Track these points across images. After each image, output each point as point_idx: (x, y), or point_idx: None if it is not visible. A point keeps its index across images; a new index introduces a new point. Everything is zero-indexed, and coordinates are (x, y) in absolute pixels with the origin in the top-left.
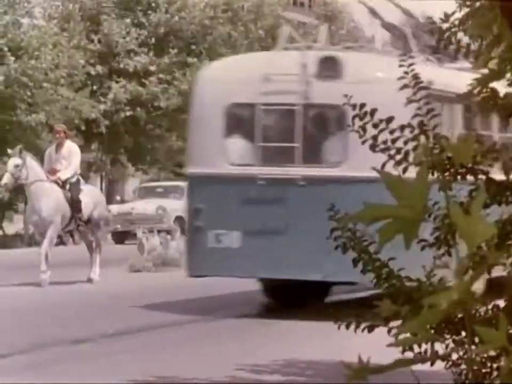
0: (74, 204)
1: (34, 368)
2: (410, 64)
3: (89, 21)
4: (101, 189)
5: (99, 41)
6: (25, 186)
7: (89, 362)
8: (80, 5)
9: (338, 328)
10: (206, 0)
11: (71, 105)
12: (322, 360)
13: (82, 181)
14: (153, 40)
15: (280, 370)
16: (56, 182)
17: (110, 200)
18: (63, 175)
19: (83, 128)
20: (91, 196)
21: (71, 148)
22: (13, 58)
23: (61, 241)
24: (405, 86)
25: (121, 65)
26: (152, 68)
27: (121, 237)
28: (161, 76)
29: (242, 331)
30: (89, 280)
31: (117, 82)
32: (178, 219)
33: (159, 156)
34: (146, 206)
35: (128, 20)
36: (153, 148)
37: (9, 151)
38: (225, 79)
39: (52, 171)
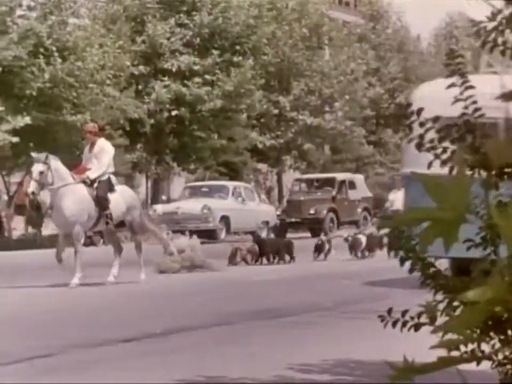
0: (100, 202)
1: (82, 368)
2: (458, 63)
3: (133, 22)
4: (146, 188)
5: (143, 42)
6: (52, 190)
7: (138, 361)
8: (125, 6)
9: (385, 326)
10: None
11: (116, 105)
12: (372, 360)
13: (115, 180)
14: (198, 40)
15: (330, 370)
16: (84, 181)
17: (155, 199)
18: (92, 174)
19: (128, 128)
20: (123, 197)
21: (103, 146)
22: (59, 60)
23: (90, 242)
24: (452, 85)
25: (166, 65)
26: (196, 68)
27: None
28: (205, 76)
29: (291, 330)
30: (106, 282)
31: (162, 81)
32: (224, 218)
33: (204, 156)
34: (192, 206)
35: (172, 20)
36: (198, 148)
37: (33, 155)
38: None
39: (81, 170)
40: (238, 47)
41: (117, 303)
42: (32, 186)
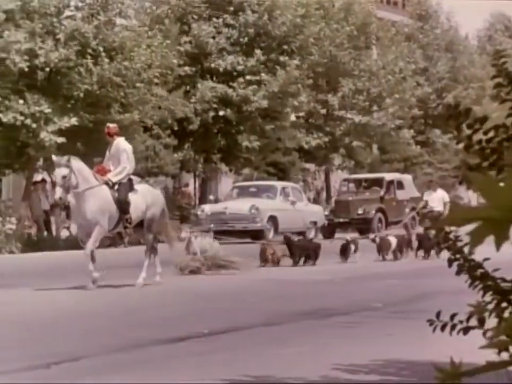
0: (121, 205)
1: (128, 368)
2: (503, 63)
3: (179, 22)
4: (194, 188)
5: (190, 42)
6: (77, 194)
7: (185, 361)
8: (171, 6)
9: (433, 331)
10: None
11: (164, 104)
12: (420, 360)
13: (136, 180)
14: (245, 40)
15: (377, 370)
16: (106, 183)
17: (203, 199)
18: (114, 176)
19: (176, 127)
20: (144, 197)
21: (119, 146)
22: (107, 60)
23: (111, 243)
24: (498, 85)
25: (212, 65)
26: (241, 68)
27: (214, 236)
28: (248, 77)
29: (339, 330)
30: (137, 284)
31: (208, 81)
32: (271, 218)
33: (251, 156)
34: (240, 206)
35: (218, 20)
36: (245, 148)
37: (54, 158)
38: None
39: (103, 170)
40: (285, 47)
41: (161, 303)
42: (58, 192)
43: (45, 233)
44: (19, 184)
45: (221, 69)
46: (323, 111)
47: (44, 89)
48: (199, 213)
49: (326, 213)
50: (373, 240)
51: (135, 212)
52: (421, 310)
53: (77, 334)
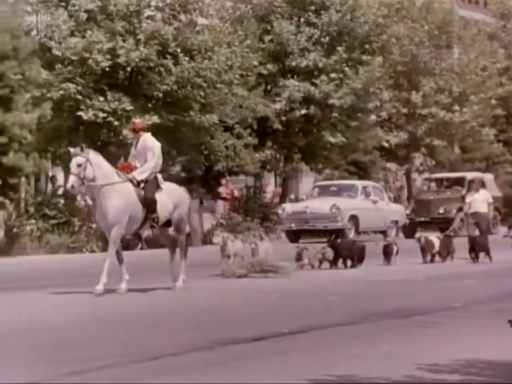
0: (148, 204)
1: (209, 367)
2: None
3: (261, 21)
4: (275, 187)
5: (271, 41)
6: (94, 188)
7: (266, 361)
8: (253, 5)
9: None
10: None
11: (244, 104)
12: (502, 360)
13: (161, 178)
14: (326, 39)
15: (459, 370)
16: (131, 181)
17: (284, 198)
18: (139, 175)
19: (256, 127)
20: (170, 195)
21: (145, 142)
22: (186, 58)
23: (127, 245)
24: None
25: (294, 64)
26: (323, 66)
27: (295, 235)
28: (332, 75)
29: (420, 330)
30: (174, 288)
31: (292, 79)
32: (352, 218)
33: (332, 155)
34: (321, 205)
35: (300, 19)
36: (326, 147)
37: (71, 149)
38: None
39: (128, 167)
40: (366, 46)
41: (240, 302)
42: (71, 181)
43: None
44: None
45: (302, 67)
46: (404, 110)
47: (125, 88)
48: (280, 212)
49: (407, 212)
50: (418, 240)
51: (161, 212)
52: (500, 310)
53: (154, 333)
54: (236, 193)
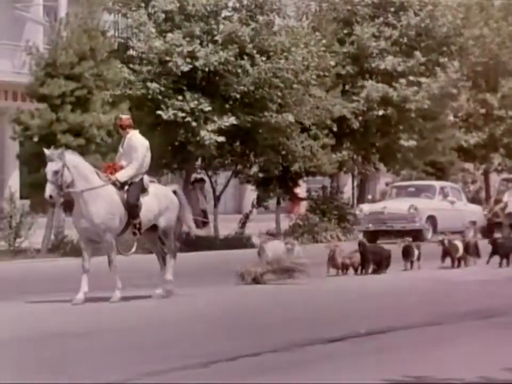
0: (130, 209)
1: (288, 368)
2: None
3: (341, 22)
4: (352, 188)
5: (351, 43)
6: (74, 194)
7: (341, 361)
8: (334, 6)
9: None
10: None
11: (321, 105)
12: None
13: (147, 180)
14: (405, 39)
15: None
16: (114, 183)
17: (361, 199)
18: (122, 176)
19: (334, 128)
20: (157, 199)
21: (131, 141)
22: (263, 59)
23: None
24: None
25: (373, 65)
26: (401, 69)
27: (373, 236)
28: (410, 78)
29: (500, 331)
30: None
31: (370, 81)
32: (430, 218)
33: (409, 156)
34: (398, 205)
35: (379, 20)
36: (403, 148)
37: (46, 152)
38: None
39: (111, 167)
40: (444, 48)
41: (317, 303)
42: (48, 190)
43: (203, 232)
44: (177, 183)
45: (381, 69)
46: (482, 111)
47: (203, 89)
48: (357, 212)
49: (485, 212)
50: (441, 243)
51: (146, 216)
52: None
53: (231, 333)
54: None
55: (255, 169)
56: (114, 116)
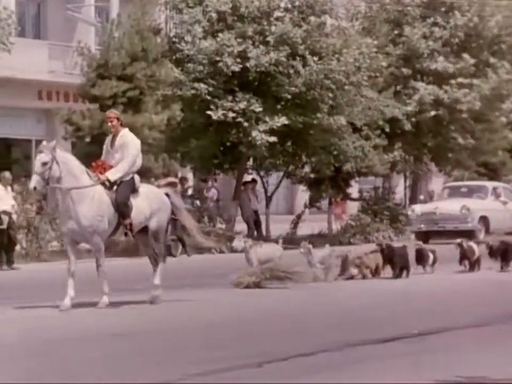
0: (121, 209)
1: (341, 368)
2: None
3: (392, 23)
4: (404, 188)
5: (402, 43)
6: (60, 191)
7: (396, 362)
8: (384, 7)
9: None
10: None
11: (373, 105)
12: None
13: (138, 180)
14: (456, 40)
15: None
16: (103, 183)
17: (413, 200)
18: (112, 175)
19: (386, 128)
20: (149, 200)
21: (125, 138)
22: (315, 59)
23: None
24: None
25: (424, 66)
26: (452, 70)
27: (425, 237)
28: (460, 79)
29: None
30: (152, 300)
31: (422, 81)
32: (482, 219)
33: (461, 157)
34: (450, 206)
35: (430, 20)
36: (455, 149)
37: (43, 144)
38: None
39: (100, 166)
40: (495, 47)
41: (369, 304)
42: (33, 181)
43: (255, 233)
44: (229, 184)
45: (432, 69)
46: None
47: (254, 89)
48: (409, 213)
49: None
50: (460, 246)
51: (137, 218)
52: None
53: (283, 333)
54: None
55: (306, 169)
56: (167, 116)
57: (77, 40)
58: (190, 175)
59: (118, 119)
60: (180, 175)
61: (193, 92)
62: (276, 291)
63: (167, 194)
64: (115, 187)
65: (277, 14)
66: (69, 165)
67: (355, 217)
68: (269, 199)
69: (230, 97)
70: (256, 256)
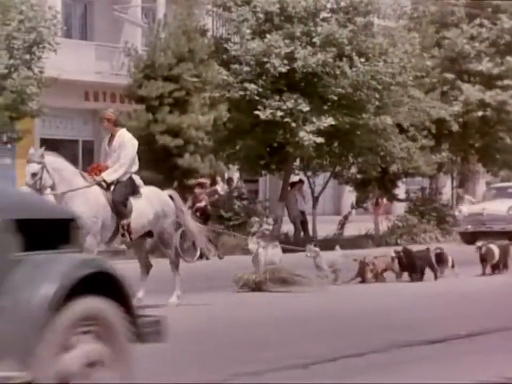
0: (117, 209)
1: (387, 368)
2: None
3: (437, 24)
4: (452, 189)
5: (448, 45)
6: (55, 197)
7: (442, 362)
8: (429, 8)
9: None
10: None
11: (419, 106)
12: None
13: (139, 181)
14: (502, 41)
15: None
16: (99, 184)
17: (460, 200)
18: (108, 175)
19: (433, 129)
20: (151, 202)
21: (123, 139)
22: (362, 60)
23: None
24: None
25: (470, 67)
26: (497, 72)
27: (471, 238)
28: (506, 81)
29: None
30: (167, 304)
31: (469, 82)
32: None
33: (509, 157)
34: (498, 207)
35: (476, 21)
36: (502, 149)
37: (30, 152)
38: None
39: (96, 168)
40: None
41: (414, 305)
42: None
43: (302, 233)
44: (275, 184)
45: (478, 71)
46: None
47: (301, 89)
48: (456, 213)
49: None
50: (479, 249)
51: (139, 220)
52: None
53: (328, 334)
54: None
55: (353, 170)
56: (214, 117)
57: (123, 41)
58: (236, 176)
59: (114, 119)
60: (226, 176)
61: (241, 93)
62: (302, 294)
63: (170, 197)
64: (112, 187)
65: (323, 14)
66: (60, 170)
67: (402, 218)
68: (315, 200)
69: (277, 97)
70: (264, 259)
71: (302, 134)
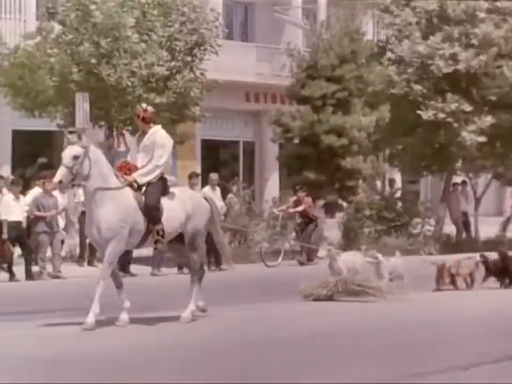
0: (150, 213)
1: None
2: None
3: None
4: None
5: None
6: (86, 191)
7: None
8: None
9: None
10: None
11: None
12: None
13: (172, 180)
14: None
15: None
16: (131, 185)
17: None
18: (141, 177)
19: None
20: (183, 203)
21: (154, 137)
22: None
23: None
24: None
25: None
26: None
27: None
28: None
29: None
30: (180, 319)
31: None
32: None
33: None
34: None
35: None
36: None
37: (68, 135)
38: None
39: (124, 167)
40: None
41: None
42: (59, 174)
43: (464, 234)
44: (437, 185)
45: None
46: None
47: (462, 90)
48: None
49: None
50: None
51: (171, 223)
52: None
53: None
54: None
55: None
56: (375, 118)
57: (284, 42)
58: (398, 176)
59: (146, 116)
60: (387, 176)
61: (406, 90)
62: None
63: (205, 198)
64: (143, 188)
65: (481, 15)
66: (99, 164)
67: None
68: (477, 201)
69: (439, 98)
70: (345, 265)
71: (464, 134)
